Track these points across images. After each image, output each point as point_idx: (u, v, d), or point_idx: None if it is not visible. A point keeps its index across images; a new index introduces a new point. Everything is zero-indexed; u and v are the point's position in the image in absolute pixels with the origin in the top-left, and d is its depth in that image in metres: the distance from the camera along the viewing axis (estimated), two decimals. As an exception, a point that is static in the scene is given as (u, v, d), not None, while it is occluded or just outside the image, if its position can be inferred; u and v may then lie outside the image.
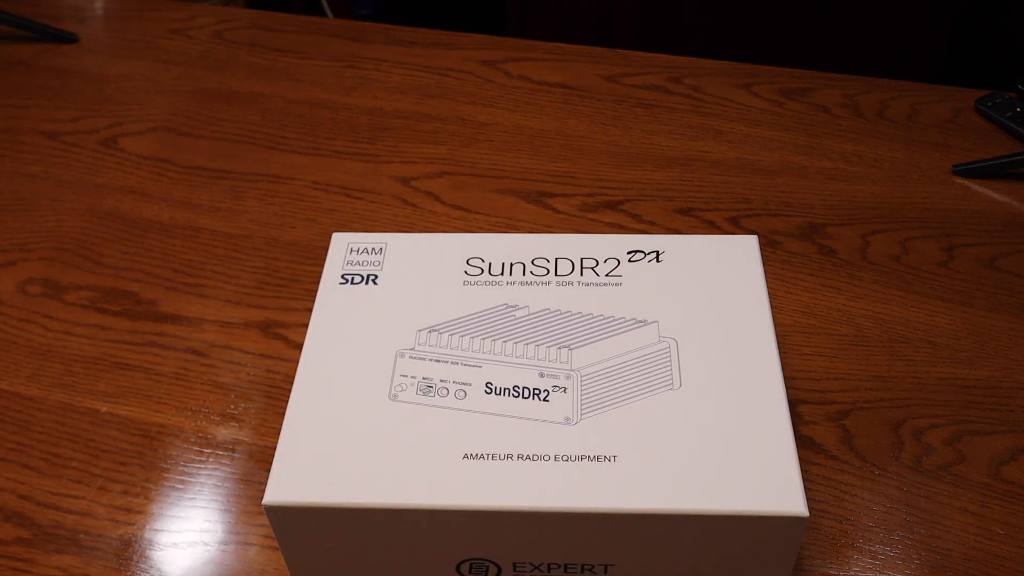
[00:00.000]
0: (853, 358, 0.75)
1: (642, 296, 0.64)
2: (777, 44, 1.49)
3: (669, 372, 0.59)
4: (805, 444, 0.70)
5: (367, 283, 0.66)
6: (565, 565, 0.56)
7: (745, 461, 0.54)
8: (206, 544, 0.66)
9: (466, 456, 0.55)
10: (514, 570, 0.57)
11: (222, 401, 0.74)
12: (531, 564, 0.57)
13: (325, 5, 1.82)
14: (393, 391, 0.59)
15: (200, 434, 0.72)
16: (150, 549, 0.66)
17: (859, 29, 1.46)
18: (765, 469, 0.54)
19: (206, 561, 0.65)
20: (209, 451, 0.71)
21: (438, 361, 0.60)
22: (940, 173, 0.92)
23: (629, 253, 0.66)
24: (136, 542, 0.66)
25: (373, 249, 0.68)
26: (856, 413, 0.72)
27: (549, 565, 0.57)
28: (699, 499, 0.53)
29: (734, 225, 0.87)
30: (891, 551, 0.64)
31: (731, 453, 0.55)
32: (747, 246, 0.67)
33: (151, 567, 0.65)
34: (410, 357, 0.60)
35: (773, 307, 0.79)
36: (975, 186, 0.90)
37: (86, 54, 1.12)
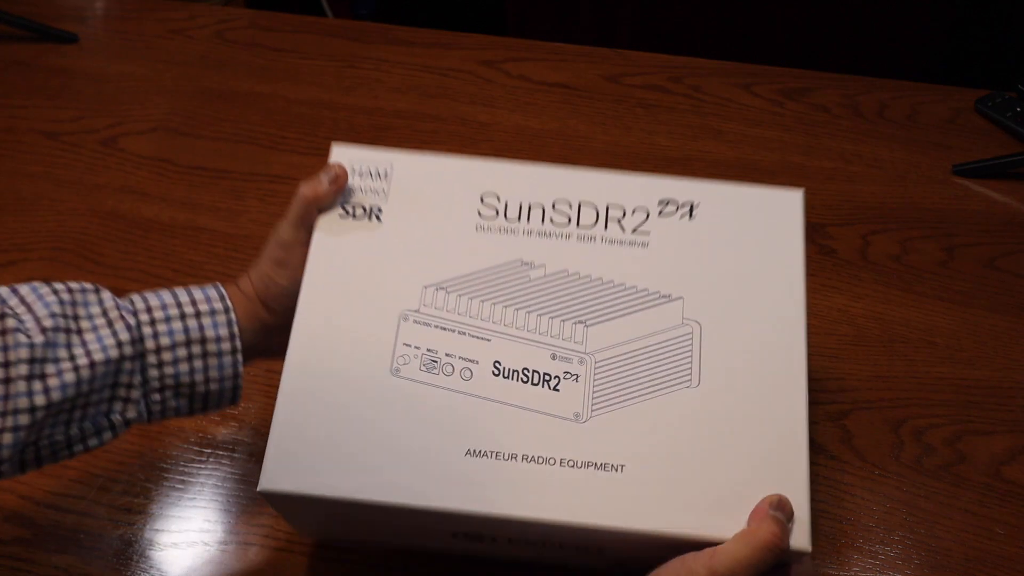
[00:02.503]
0: (853, 358, 0.75)
1: (669, 263, 0.57)
2: (777, 44, 1.49)
3: (689, 366, 0.54)
4: (805, 444, 0.70)
5: (370, 218, 0.58)
6: (560, 543, 0.55)
7: (754, 486, 0.51)
8: (206, 544, 0.66)
9: (469, 453, 0.52)
10: (509, 542, 0.56)
11: (222, 401, 0.74)
12: (526, 540, 0.55)
13: (325, 5, 1.82)
14: (395, 364, 0.54)
15: (200, 434, 0.72)
16: (150, 549, 0.66)
17: (859, 29, 1.46)
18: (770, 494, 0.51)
19: (206, 561, 0.65)
20: (209, 451, 0.71)
21: (444, 329, 0.55)
22: (940, 173, 0.92)
23: (660, 204, 0.59)
24: (136, 542, 0.66)
25: (377, 172, 0.60)
26: (856, 413, 0.72)
27: (544, 542, 0.55)
28: (700, 525, 0.51)
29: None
30: (891, 551, 0.64)
31: (741, 475, 0.52)
32: (789, 202, 0.59)
33: (151, 567, 0.65)
34: (414, 321, 0.55)
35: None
36: (975, 186, 0.90)
37: (86, 54, 1.12)
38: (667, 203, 0.59)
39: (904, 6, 1.42)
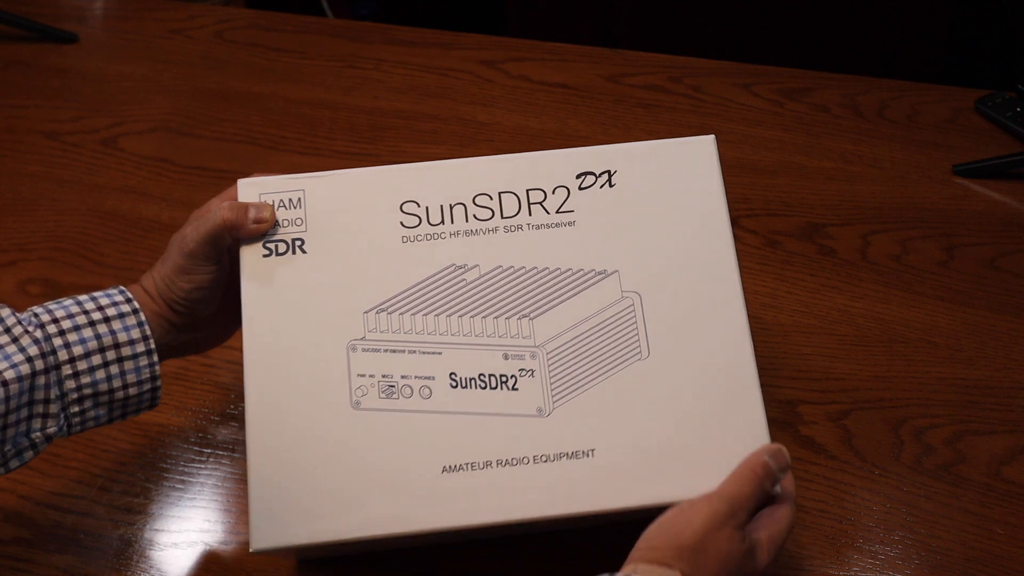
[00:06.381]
0: (853, 358, 0.75)
1: (598, 238, 0.58)
2: (777, 44, 1.49)
3: (636, 339, 0.56)
4: (805, 444, 0.70)
5: (294, 251, 0.57)
6: (550, 526, 0.58)
7: (718, 442, 0.54)
8: (206, 544, 0.66)
9: (445, 469, 0.54)
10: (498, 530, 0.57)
11: (222, 401, 0.74)
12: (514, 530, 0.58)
13: (325, 5, 1.82)
14: (354, 397, 0.55)
15: (200, 434, 0.72)
16: (150, 549, 0.66)
17: (859, 29, 1.46)
18: (737, 450, 0.54)
19: (206, 561, 0.65)
20: (209, 451, 0.71)
21: (394, 351, 0.55)
22: (940, 173, 0.92)
23: (579, 177, 0.59)
24: (136, 542, 0.66)
25: (291, 201, 0.58)
26: (856, 413, 0.72)
27: (534, 526, 0.57)
28: (675, 491, 0.53)
29: (734, 225, 0.87)
30: (891, 551, 0.64)
31: (703, 434, 0.54)
32: (703, 150, 0.60)
33: (151, 567, 0.65)
34: (363, 350, 0.55)
35: (773, 307, 0.80)
36: (975, 186, 0.90)
37: (86, 54, 1.12)
38: (585, 175, 0.59)
39: (904, 6, 1.42)
